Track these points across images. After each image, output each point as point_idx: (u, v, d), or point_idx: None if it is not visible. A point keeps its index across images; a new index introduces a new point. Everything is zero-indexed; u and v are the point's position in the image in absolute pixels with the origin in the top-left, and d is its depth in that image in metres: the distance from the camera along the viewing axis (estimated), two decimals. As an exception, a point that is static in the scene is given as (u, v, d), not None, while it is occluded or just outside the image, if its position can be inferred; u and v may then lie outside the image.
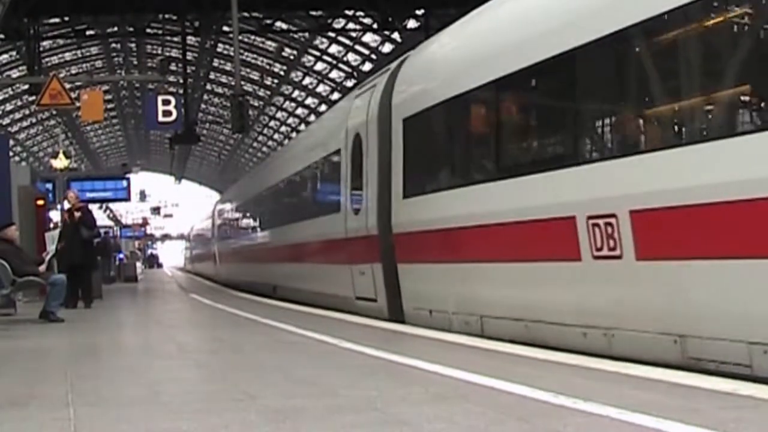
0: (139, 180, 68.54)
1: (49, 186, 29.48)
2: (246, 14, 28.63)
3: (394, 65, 12.40)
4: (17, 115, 55.08)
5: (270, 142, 62.26)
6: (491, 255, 8.83)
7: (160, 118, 23.09)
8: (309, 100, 51.33)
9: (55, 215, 29.99)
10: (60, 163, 31.80)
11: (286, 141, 54.99)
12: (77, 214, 16.21)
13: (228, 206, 32.57)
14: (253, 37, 39.87)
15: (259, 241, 23.59)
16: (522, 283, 8.34)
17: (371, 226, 12.03)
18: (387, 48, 38.62)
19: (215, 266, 35.62)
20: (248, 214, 26.87)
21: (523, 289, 8.35)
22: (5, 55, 40.65)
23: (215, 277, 35.26)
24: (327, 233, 14.52)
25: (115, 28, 33.58)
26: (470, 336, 8.59)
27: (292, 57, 45.20)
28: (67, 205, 16.74)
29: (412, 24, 29.97)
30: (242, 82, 31.83)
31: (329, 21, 31.63)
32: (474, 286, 9.32)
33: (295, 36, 40.38)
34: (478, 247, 9.09)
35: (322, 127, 17.66)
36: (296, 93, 51.33)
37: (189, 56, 39.92)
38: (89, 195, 31.09)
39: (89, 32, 34.19)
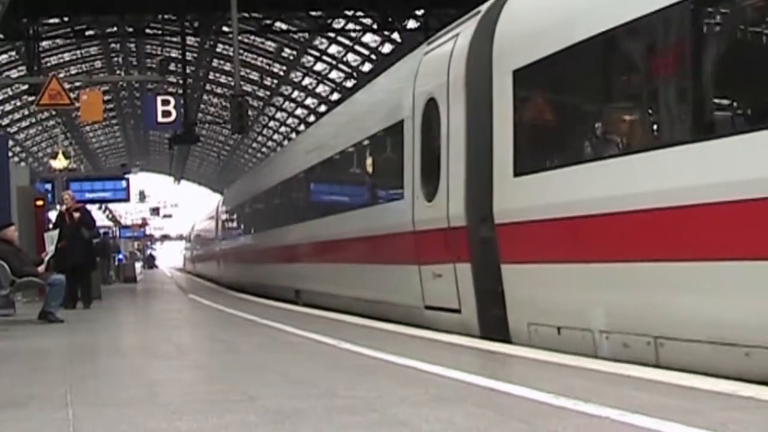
0: (139, 180, 68.59)
1: (49, 186, 29.43)
2: (246, 14, 28.64)
3: (484, 7, 9.52)
4: (16, 116, 55.08)
5: (270, 143, 62.27)
6: (686, 251, 6.14)
7: (160, 119, 23.10)
8: (309, 101, 51.36)
9: (54, 216, 29.96)
10: (59, 163, 31.85)
11: (285, 141, 54.93)
12: (76, 215, 16.21)
13: (237, 202, 29.97)
14: (252, 37, 39.88)
15: (277, 239, 20.47)
16: (749, 290, 5.68)
17: (455, 215, 9.45)
18: (387, 48, 38.62)
19: (219, 267, 34.00)
20: (264, 209, 23.76)
21: (750, 300, 5.67)
22: (5, 55, 40.63)
23: (219, 278, 33.60)
24: (382, 226, 11.90)
25: (115, 29, 33.57)
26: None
27: (291, 57, 45.22)
28: (64, 206, 16.70)
29: (411, 24, 30.01)
30: (242, 82, 31.78)
31: (329, 21, 31.65)
32: (647, 294, 6.60)
33: (295, 36, 40.40)
34: (662, 240, 6.38)
35: (374, 97, 14.38)
36: (296, 93, 51.35)
37: (189, 56, 39.95)
38: (88, 195, 31.07)
39: (89, 32, 34.20)
